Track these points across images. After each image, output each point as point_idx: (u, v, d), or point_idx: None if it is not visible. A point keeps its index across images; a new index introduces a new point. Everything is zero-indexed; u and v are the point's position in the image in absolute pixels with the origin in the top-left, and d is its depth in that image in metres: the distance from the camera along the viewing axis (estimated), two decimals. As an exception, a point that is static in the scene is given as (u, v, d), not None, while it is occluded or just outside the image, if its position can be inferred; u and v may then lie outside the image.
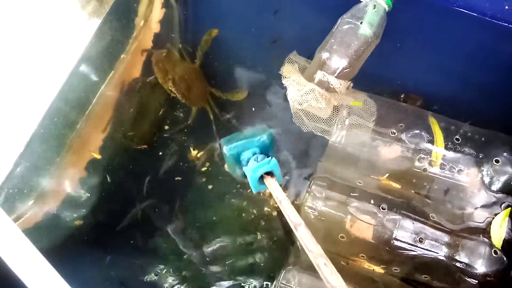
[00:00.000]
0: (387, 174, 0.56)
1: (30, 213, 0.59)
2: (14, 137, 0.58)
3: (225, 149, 0.51)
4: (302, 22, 0.69)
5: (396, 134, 0.57)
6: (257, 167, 0.46)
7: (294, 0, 0.70)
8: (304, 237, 0.40)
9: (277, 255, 0.63)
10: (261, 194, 0.65)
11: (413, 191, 0.56)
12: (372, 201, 0.54)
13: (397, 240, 0.53)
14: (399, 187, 0.56)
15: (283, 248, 0.63)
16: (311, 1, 0.69)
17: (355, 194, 0.55)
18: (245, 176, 0.52)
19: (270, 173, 0.47)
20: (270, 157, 0.48)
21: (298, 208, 0.59)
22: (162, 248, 0.65)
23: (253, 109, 0.68)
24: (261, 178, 0.48)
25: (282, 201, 0.44)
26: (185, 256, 0.64)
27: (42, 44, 0.64)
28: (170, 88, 0.65)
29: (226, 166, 0.65)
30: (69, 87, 0.63)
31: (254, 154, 0.50)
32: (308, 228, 0.51)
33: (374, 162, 0.56)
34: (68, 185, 0.63)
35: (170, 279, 0.64)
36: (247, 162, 0.49)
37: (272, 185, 0.46)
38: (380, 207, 0.54)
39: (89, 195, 0.64)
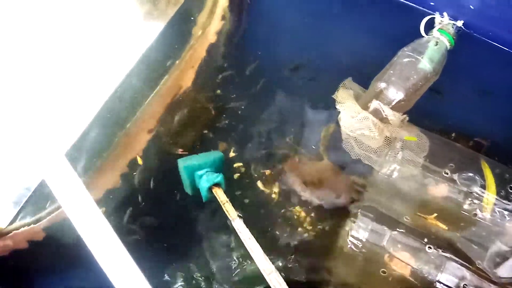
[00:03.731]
0: (435, 214, 0.55)
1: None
2: (68, 130, 0.60)
3: (182, 167, 0.61)
4: (359, 50, 0.69)
5: (448, 174, 0.55)
6: (207, 180, 0.59)
7: (352, 29, 0.71)
8: (241, 228, 0.54)
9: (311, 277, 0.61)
10: (296, 212, 0.64)
11: (459, 235, 0.54)
12: (419, 240, 0.53)
13: (440, 283, 0.52)
14: (446, 228, 0.55)
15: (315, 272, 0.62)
16: (370, 30, 0.70)
17: (401, 230, 0.54)
18: (196, 192, 0.62)
19: (217, 185, 0.59)
20: (218, 173, 0.60)
21: (339, 235, 0.58)
22: (189, 253, 0.64)
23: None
24: (210, 190, 0.59)
25: (225, 203, 0.57)
26: (213, 266, 0.63)
27: (107, 43, 0.66)
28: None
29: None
30: (125, 87, 0.65)
31: (206, 172, 0.60)
32: (348, 259, 0.51)
33: (423, 200, 0.55)
34: (110, 179, 0.64)
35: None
36: (200, 178, 0.60)
37: (218, 193, 0.59)
38: (427, 247, 0.53)
39: (127, 190, 0.65)
